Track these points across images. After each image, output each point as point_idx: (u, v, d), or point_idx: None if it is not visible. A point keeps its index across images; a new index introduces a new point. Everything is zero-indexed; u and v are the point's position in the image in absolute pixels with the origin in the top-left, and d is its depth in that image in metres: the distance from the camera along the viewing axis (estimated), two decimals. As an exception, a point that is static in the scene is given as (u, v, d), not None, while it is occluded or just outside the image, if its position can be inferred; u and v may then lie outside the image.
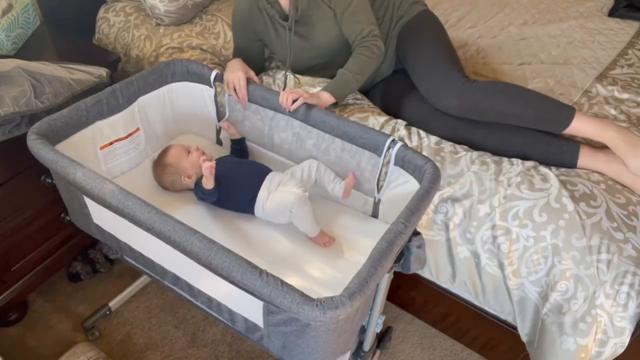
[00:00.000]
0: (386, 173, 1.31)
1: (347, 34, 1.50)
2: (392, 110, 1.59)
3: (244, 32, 1.61)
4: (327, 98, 1.43)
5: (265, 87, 1.48)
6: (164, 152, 1.47)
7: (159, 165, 1.45)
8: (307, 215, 1.32)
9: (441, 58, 1.51)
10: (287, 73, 1.59)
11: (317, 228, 1.33)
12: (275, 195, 1.35)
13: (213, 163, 1.32)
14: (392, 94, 1.62)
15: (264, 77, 1.65)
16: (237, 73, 1.45)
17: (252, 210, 1.38)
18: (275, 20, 1.53)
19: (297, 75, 1.59)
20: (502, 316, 1.44)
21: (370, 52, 1.46)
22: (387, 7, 1.62)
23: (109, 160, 1.44)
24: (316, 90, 1.53)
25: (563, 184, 1.30)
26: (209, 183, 1.33)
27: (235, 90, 1.45)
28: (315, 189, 1.46)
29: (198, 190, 1.39)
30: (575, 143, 1.42)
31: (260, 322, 1.05)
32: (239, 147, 1.55)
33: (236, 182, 1.39)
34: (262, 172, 1.42)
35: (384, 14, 1.61)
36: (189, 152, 1.45)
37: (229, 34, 1.83)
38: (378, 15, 1.60)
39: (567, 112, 1.41)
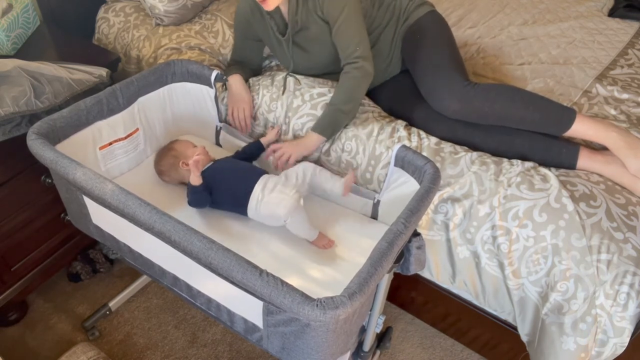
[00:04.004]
0: (386, 174, 1.31)
1: (338, 51, 1.47)
2: (396, 109, 1.58)
3: (245, 32, 1.61)
4: (316, 140, 1.44)
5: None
6: (173, 140, 1.54)
7: (165, 148, 1.51)
8: (302, 222, 1.30)
9: (443, 60, 1.50)
10: (287, 76, 1.58)
11: (315, 232, 1.31)
12: (269, 198, 1.32)
13: (199, 157, 1.33)
14: (397, 93, 1.61)
15: (261, 79, 1.64)
16: (241, 104, 1.55)
17: (244, 211, 1.36)
18: (275, 32, 1.53)
19: (298, 77, 1.59)
20: (502, 316, 1.45)
21: (351, 77, 1.42)
22: (393, 10, 1.59)
23: (108, 161, 1.44)
24: (317, 91, 1.52)
25: (563, 184, 1.30)
26: (194, 178, 1.33)
27: (238, 118, 1.56)
28: (313, 189, 1.45)
29: (189, 192, 1.37)
30: (575, 145, 1.42)
31: (259, 322, 1.05)
32: (255, 151, 1.52)
33: (228, 180, 1.38)
34: (256, 173, 1.39)
35: (390, 17, 1.59)
36: (195, 146, 1.49)
37: (228, 32, 1.83)
38: (383, 19, 1.58)
39: (568, 115, 1.40)
